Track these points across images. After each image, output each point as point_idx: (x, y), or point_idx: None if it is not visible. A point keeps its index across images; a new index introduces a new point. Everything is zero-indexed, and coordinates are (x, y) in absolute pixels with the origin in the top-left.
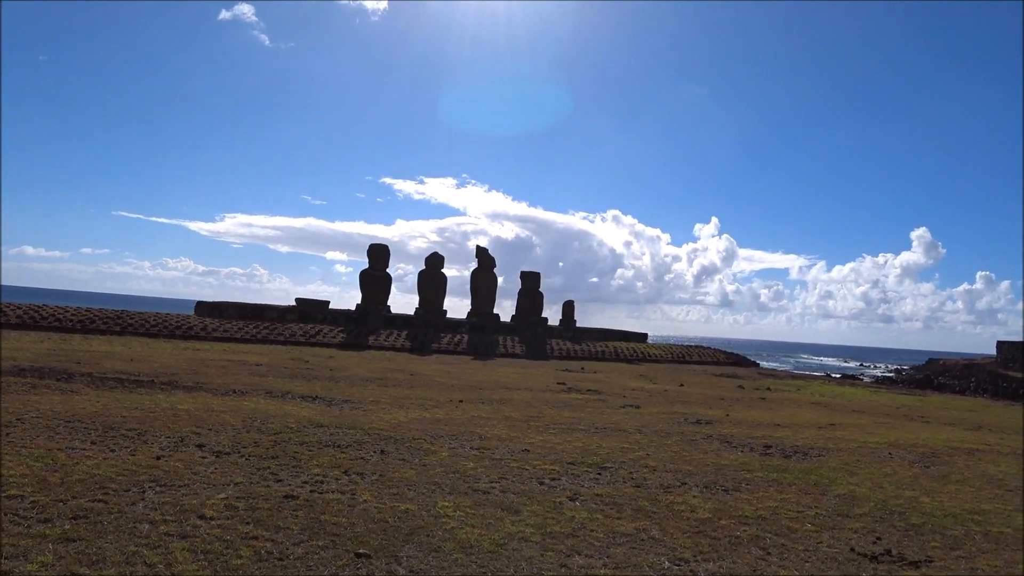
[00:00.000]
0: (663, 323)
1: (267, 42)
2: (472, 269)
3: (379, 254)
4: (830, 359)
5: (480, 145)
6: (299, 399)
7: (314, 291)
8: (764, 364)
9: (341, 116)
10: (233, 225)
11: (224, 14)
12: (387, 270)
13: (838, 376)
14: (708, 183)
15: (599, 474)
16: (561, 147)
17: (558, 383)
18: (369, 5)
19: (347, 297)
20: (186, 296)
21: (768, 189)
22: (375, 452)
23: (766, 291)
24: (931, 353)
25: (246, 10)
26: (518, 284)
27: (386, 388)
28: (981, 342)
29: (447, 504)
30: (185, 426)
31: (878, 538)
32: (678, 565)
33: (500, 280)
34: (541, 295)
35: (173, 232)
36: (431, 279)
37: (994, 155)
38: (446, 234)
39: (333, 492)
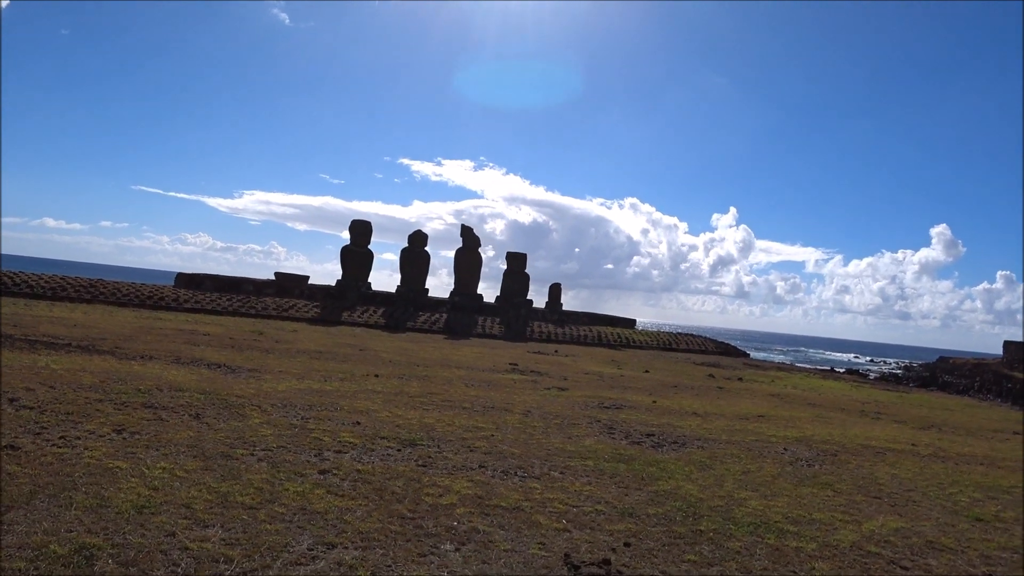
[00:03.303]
0: (678, 312)
1: (287, 21)
2: (456, 248)
3: (360, 230)
4: (841, 354)
5: (498, 128)
6: (203, 366)
7: (331, 270)
8: (762, 356)
9: (360, 96)
10: (252, 202)
11: None
12: (368, 246)
13: (826, 369)
14: (727, 173)
15: (397, 451)
16: (580, 133)
17: (510, 363)
18: None
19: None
20: (204, 272)
21: (787, 180)
22: (190, 415)
23: (782, 283)
24: (947, 351)
25: None
26: (533, 269)
27: (315, 361)
28: (998, 342)
29: (166, 464)
30: (28, 382)
31: (627, 543)
32: (312, 551)
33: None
34: (527, 276)
35: (192, 207)
36: (413, 257)
37: (1019, 153)
38: (463, 216)
39: (63, 447)
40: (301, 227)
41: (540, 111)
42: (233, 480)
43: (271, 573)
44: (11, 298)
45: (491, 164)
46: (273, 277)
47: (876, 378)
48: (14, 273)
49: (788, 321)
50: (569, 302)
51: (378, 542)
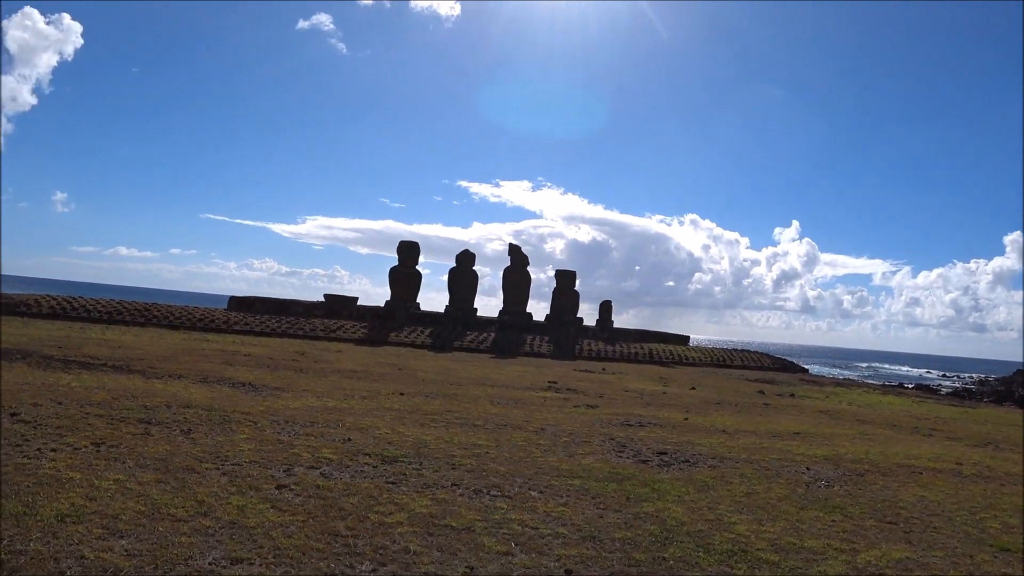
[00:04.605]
0: (742, 328)
1: (344, 50)
2: (505, 267)
3: (408, 251)
4: (912, 369)
5: (555, 148)
6: (227, 385)
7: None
8: (826, 371)
9: (417, 120)
10: (314, 227)
11: (302, 23)
12: (416, 267)
13: (893, 385)
14: (788, 186)
15: (373, 467)
16: (637, 149)
17: (549, 382)
18: (443, 11)
19: (424, 299)
20: (275, 297)
21: (850, 191)
22: (181, 431)
23: (849, 297)
24: None
25: (324, 19)
26: (593, 288)
27: (346, 380)
28: None
29: (121, 477)
30: (39, 398)
31: (568, 570)
32: (214, 565)
33: (576, 283)
34: (577, 294)
35: (257, 234)
36: (461, 276)
37: None
38: (522, 237)
39: (31, 458)
40: (363, 251)
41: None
42: (177, 493)
43: None
44: (68, 322)
45: (549, 184)
46: (323, 299)
47: (947, 394)
48: (73, 298)
49: (856, 336)
50: (630, 320)
51: (291, 559)
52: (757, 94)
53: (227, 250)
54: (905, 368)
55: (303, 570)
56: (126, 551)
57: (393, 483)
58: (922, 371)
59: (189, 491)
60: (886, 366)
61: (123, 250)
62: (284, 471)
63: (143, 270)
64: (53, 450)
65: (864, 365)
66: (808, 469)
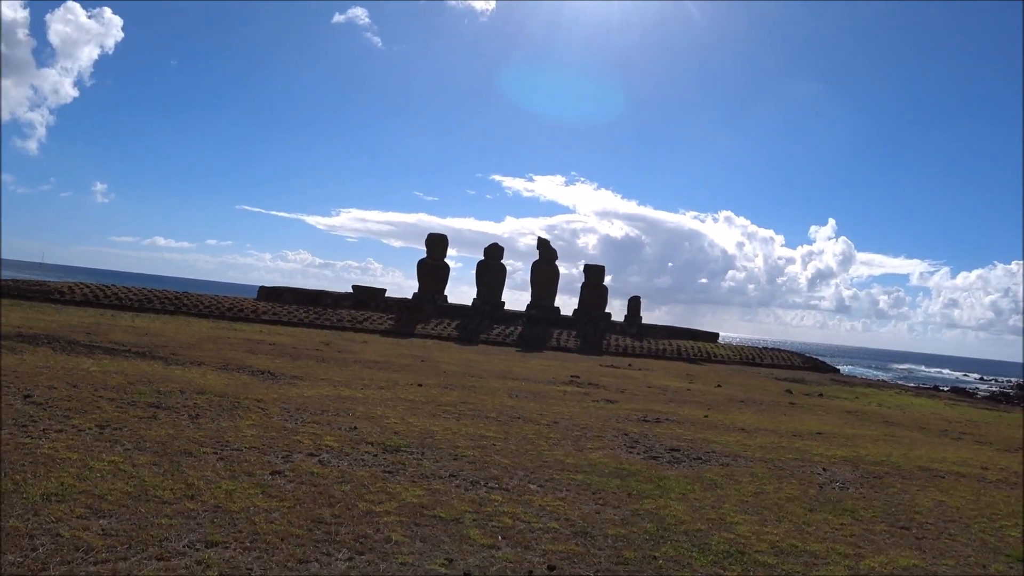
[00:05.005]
0: (776, 327)
1: (379, 44)
2: (533, 261)
3: (436, 244)
4: (949, 371)
5: (588, 143)
6: (246, 372)
7: None
8: (860, 372)
9: (451, 114)
10: (348, 220)
11: (338, 17)
12: (444, 259)
13: (927, 387)
14: (824, 183)
15: (373, 456)
16: (671, 145)
17: (572, 376)
18: (478, 5)
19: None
20: (304, 288)
21: (888, 190)
22: (189, 415)
23: (885, 297)
24: None
25: (359, 13)
26: (626, 284)
27: (366, 370)
28: None
29: (116, 458)
30: (55, 381)
31: (552, 566)
32: (187, 547)
33: (608, 279)
34: (605, 289)
35: (292, 226)
36: (488, 270)
37: None
38: (555, 231)
39: (33, 438)
40: (396, 244)
41: (630, 124)
42: (169, 476)
43: (121, 566)
44: (100, 309)
45: (582, 179)
46: (351, 290)
47: (983, 397)
48: (105, 286)
49: (892, 337)
50: (662, 317)
51: (267, 544)
52: (794, 89)
53: (262, 241)
54: (943, 370)
55: (276, 556)
56: (103, 530)
57: (390, 472)
58: (958, 373)
59: (181, 474)
60: (922, 368)
61: (160, 240)
62: (282, 458)
63: (180, 260)
64: (58, 431)
65: (902, 367)
66: (824, 470)
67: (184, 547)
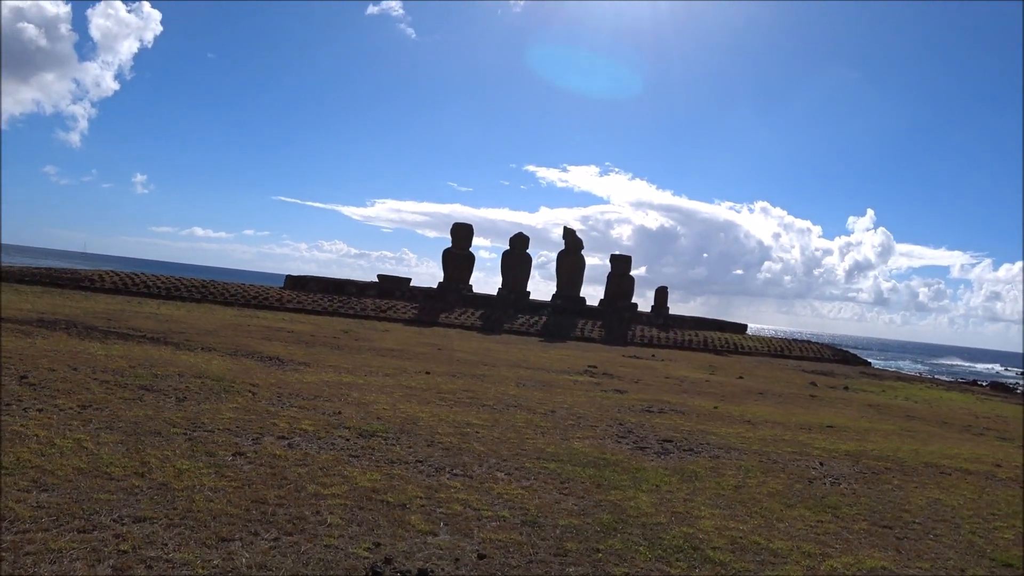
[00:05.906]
0: (812, 319)
1: (413, 35)
2: (559, 251)
3: (461, 233)
4: (989, 365)
5: (623, 132)
6: (255, 359)
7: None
8: (895, 365)
9: (485, 105)
10: (384, 210)
11: (372, 9)
12: (469, 248)
13: (962, 381)
14: (863, 173)
15: (345, 440)
16: (707, 134)
17: (589, 366)
18: None
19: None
20: (326, 276)
21: (928, 180)
22: (176, 398)
23: (925, 290)
24: None
25: (393, 4)
26: (660, 275)
27: (378, 358)
28: None
29: (82, 436)
30: (56, 364)
31: (482, 555)
32: (114, 523)
33: (642, 270)
34: (631, 279)
35: (328, 216)
36: (514, 259)
37: None
38: (589, 222)
39: (7, 415)
40: (431, 234)
41: (664, 113)
42: (128, 455)
43: (39, 536)
44: (128, 296)
45: (617, 169)
46: (376, 279)
47: (1022, 392)
48: (135, 274)
49: (932, 330)
50: (697, 308)
51: (195, 522)
52: (832, 76)
53: (298, 232)
54: (983, 365)
55: (200, 534)
56: (37, 503)
57: (356, 456)
58: (999, 368)
59: (140, 453)
60: (962, 363)
61: (199, 230)
62: (252, 440)
63: (217, 250)
64: (39, 410)
65: (942, 361)
66: (821, 464)
67: (111, 521)
